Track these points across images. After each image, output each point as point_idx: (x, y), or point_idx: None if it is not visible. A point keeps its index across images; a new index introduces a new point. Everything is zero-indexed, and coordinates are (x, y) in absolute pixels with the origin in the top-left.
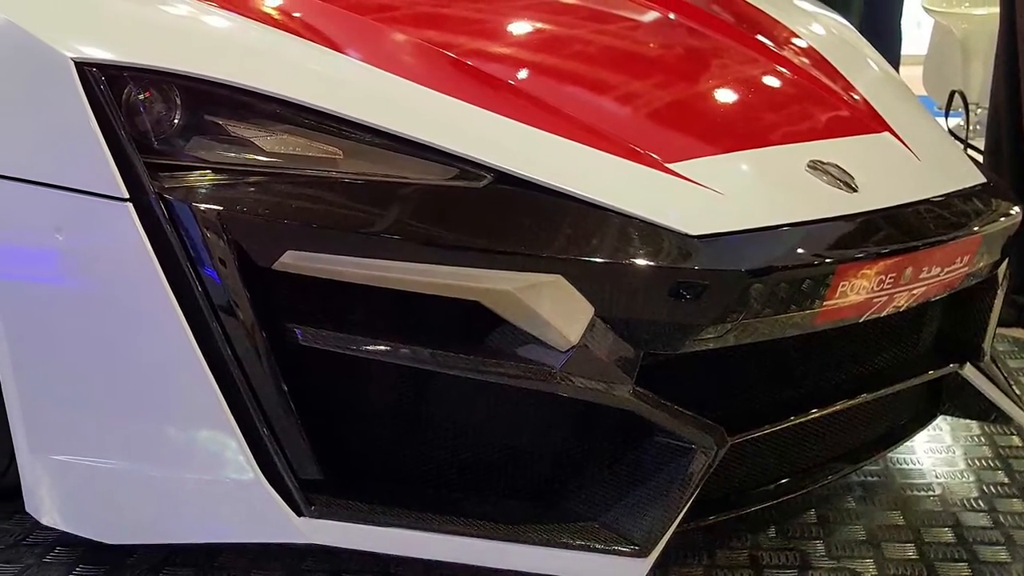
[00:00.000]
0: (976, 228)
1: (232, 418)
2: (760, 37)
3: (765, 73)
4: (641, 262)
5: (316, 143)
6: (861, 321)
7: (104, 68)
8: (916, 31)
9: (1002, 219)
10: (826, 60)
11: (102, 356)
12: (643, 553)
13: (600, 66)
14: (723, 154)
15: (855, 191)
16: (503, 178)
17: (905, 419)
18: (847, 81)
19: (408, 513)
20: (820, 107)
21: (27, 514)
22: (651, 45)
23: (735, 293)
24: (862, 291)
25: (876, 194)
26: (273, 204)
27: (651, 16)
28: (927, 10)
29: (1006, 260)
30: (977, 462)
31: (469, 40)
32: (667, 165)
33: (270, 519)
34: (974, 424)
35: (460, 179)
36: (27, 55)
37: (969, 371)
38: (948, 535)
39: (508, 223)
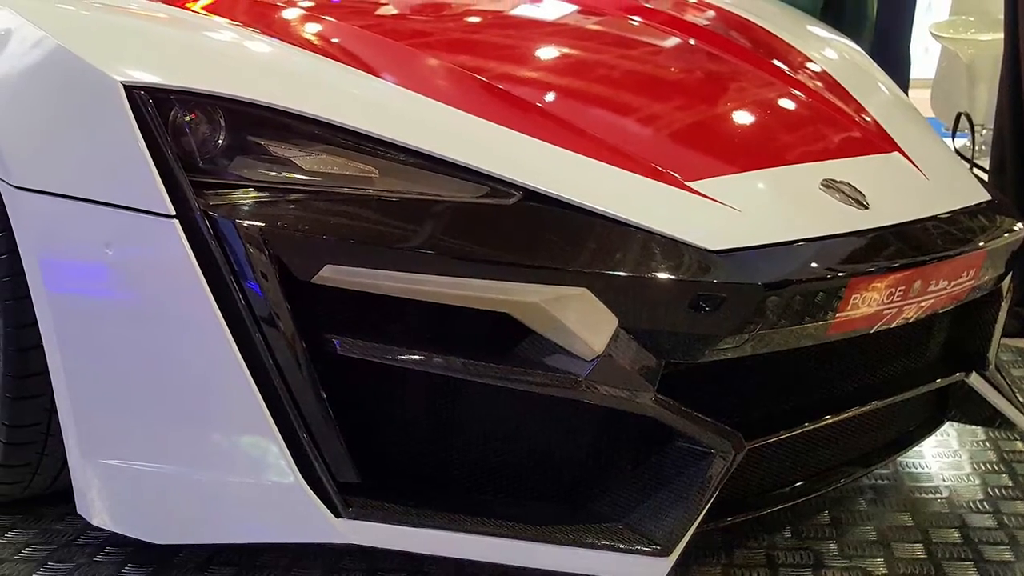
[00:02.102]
0: (981, 243)
1: (273, 424)
2: (776, 62)
3: (781, 96)
4: (663, 276)
5: (353, 162)
6: (872, 332)
7: (152, 91)
8: (924, 56)
9: (1006, 235)
10: (839, 84)
11: (150, 365)
12: (665, 552)
13: (624, 89)
14: (741, 173)
15: (866, 208)
16: (531, 196)
17: (914, 425)
18: (859, 103)
19: (441, 514)
20: (833, 128)
21: (78, 515)
22: (672, 69)
23: (752, 305)
24: (873, 303)
25: (886, 211)
26: (312, 221)
27: (672, 42)
28: (935, 36)
29: (1010, 274)
30: (982, 466)
31: (499, 65)
32: (687, 183)
33: (309, 520)
34: (979, 430)
35: (490, 197)
36: (79, 79)
37: (975, 379)
38: (955, 535)
39: (536, 239)
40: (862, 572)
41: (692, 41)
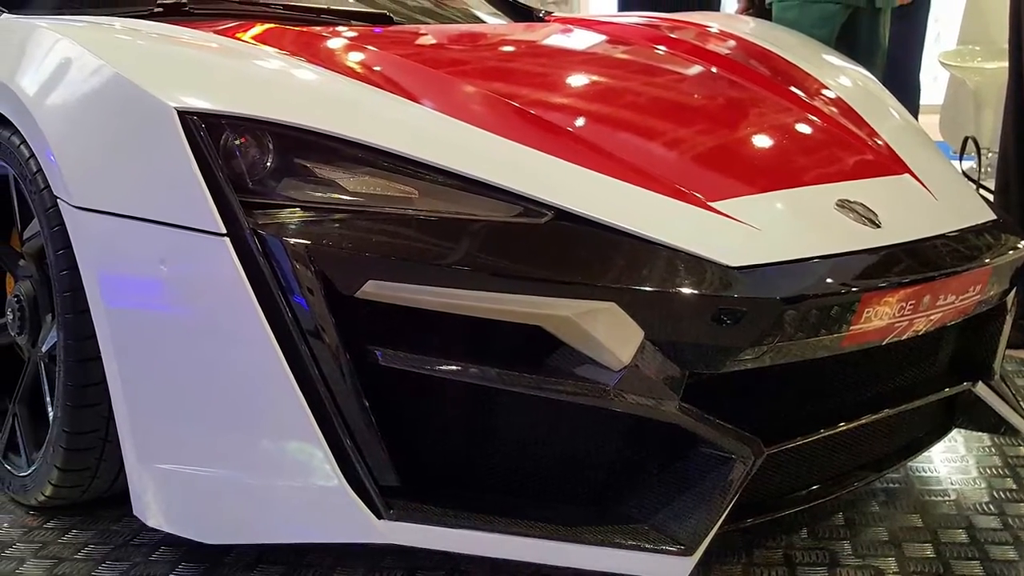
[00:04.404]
0: (987, 260)
1: (319, 431)
2: (793, 88)
3: (798, 121)
4: (686, 291)
5: (394, 184)
6: (884, 344)
7: (204, 116)
8: (933, 83)
9: (1010, 252)
10: (852, 109)
11: (202, 375)
12: (688, 552)
13: (649, 115)
14: (760, 193)
15: (879, 227)
16: (562, 215)
17: (923, 432)
18: (871, 128)
19: (477, 516)
20: (847, 151)
21: (134, 517)
22: (695, 96)
23: (771, 319)
24: (885, 317)
25: (897, 230)
26: (356, 239)
27: (695, 70)
28: (943, 64)
29: (1014, 289)
30: (988, 470)
31: (532, 91)
32: (710, 203)
33: (353, 521)
34: (985, 436)
35: (523, 216)
36: (135, 105)
37: (981, 388)
38: (962, 536)
39: (567, 256)
40: (875, 571)
41: (714, 69)
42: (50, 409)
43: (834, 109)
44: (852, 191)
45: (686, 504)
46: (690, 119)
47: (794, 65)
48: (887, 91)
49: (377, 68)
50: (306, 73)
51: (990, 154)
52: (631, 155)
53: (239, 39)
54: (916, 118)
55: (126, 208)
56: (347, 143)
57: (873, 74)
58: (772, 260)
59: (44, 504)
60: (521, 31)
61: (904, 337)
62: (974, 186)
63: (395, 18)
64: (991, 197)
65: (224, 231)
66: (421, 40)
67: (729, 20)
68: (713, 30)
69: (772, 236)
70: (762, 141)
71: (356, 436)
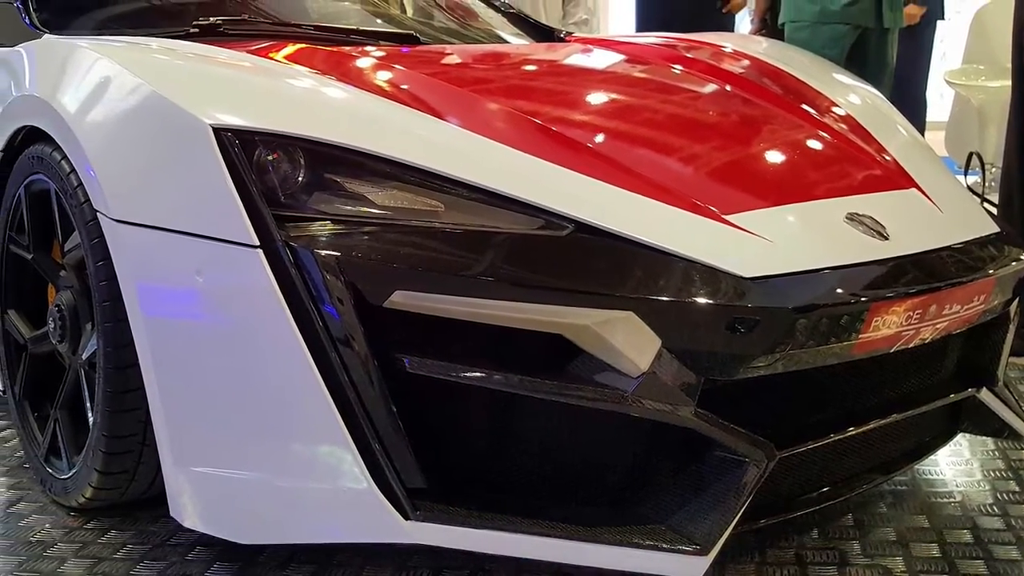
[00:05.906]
0: (991, 271)
1: (348, 435)
2: (804, 106)
3: (809, 137)
4: (702, 301)
5: (421, 197)
6: (892, 351)
7: (238, 133)
8: (939, 101)
9: (1013, 263)
10: (861, 126)
11: (237, 382)
12: (704, 552)
13: (666, 131)
14: (773, 207)
15: (887, 239)
16: (583, 228)
17: (930, 436)
18: (879, 144)
19: (500, 517)
20: (856, 166)
21: (171, 518)
22: (710, 113)
23: (783, 328)
24: (893, 325)
25: (905, 242)
26: (384, 250)
27: (710, 88)
28: (949, 83)
29: (1016, 298)
30: (992, 473)
31: (553, 109)
32: (724, 216)
33: (381, 522)
34: (989, 440)
35: (545, 229)
36: (172, 122)
37: (985, 394)
38: (967, 536)
39: (587, 267)
40: (883, 570)
41: (728, 87)
42: (90, 414)
43: (843, 126)
44: (861, 205)
45: (701, 505)
46: (705, 135)
47: (805, 83)
48: (895, 108)
49: (404, 86)
50: (336, 91)
51: (994, 169)
52: (649, 170)
53: (272, 58)
54: (922, 134)
55: (163, 221)
56: (375, 158)
57: (881, 92)
58: (784, 271)
59: (84, 505)
60: (543, 51)
61: (911, 345)
62: (978, 200)
63: (421, 38)
64: (995, 210)
65: (257, 243)
66: (447, 60)
67: (743, 40)
68: (727, 50)
69: (784, 248)
70: (774, 157)
71: (384, 440)
